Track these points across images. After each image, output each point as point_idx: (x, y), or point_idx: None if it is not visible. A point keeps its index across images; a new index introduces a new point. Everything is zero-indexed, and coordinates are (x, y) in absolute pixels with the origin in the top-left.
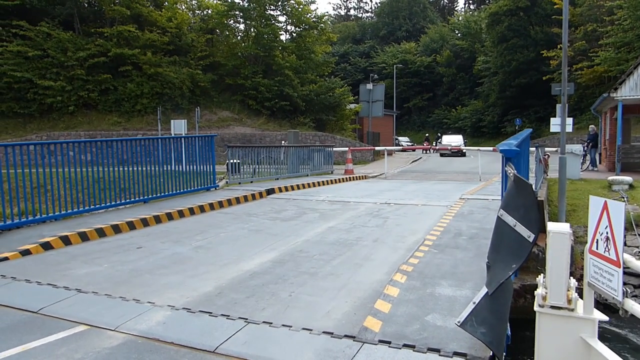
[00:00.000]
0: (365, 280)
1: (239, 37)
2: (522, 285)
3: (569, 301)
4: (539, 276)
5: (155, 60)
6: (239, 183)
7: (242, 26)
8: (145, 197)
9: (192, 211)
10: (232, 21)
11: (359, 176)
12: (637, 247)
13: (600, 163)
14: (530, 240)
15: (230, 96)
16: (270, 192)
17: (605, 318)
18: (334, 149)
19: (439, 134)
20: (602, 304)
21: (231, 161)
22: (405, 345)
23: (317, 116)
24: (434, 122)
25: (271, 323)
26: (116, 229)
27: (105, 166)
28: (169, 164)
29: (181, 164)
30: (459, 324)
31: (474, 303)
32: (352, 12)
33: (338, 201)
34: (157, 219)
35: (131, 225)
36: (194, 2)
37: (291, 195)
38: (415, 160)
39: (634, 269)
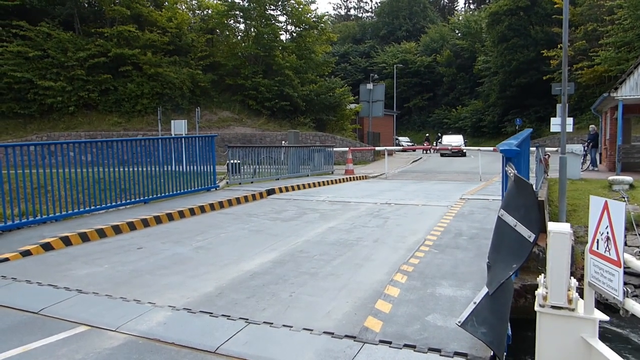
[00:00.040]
0: (366, 281)
1: (239, 37)
2: (523, 285)
3: (570, 301)
4: (540, 276)
5: (155, 60)
6: (240, 183)
7: (242, 26)
8: (146, 197)
9: (192, 211)
10: (232, 21)
11: (360, 176)
12: (638, 247)
13: (600, 163)
14: (531, 240)
15: (231, 96)
16: (270, 192)
17: (606, 318)
18: (334, 149)
19: (439, 134)
20: (603, 304)
21: (231, 161)
22: (406, 346)
23: (318, 116)
24: (434, 122)
25: (272, 323)
26: (117, 230)
27: (105, 167)
28: (169, 165)
29: (181, 164)
30: (459, 324)
31: (475, 303)
32: (352, 11)
33: (338, 201)
34: (158, 220)
35: (132, 226)
36: (194, 2)
37: (291, 195)
38: (416, 161)
39: (635, 268)
